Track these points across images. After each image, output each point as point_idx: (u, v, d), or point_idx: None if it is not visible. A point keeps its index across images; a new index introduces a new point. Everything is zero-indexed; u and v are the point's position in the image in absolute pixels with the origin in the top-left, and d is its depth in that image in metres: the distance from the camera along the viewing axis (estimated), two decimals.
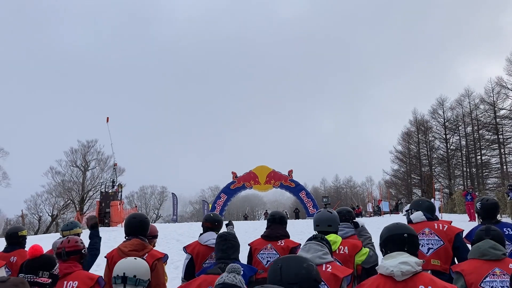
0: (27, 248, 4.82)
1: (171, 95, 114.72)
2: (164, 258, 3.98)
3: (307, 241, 3.37)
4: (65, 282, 3.35)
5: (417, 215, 4.20)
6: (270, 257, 4.49)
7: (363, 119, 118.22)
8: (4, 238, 5.26)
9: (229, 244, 3.78)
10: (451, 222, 4.30)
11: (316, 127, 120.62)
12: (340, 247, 3.72)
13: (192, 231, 15.77)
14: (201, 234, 4.74)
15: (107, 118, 31.44)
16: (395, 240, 2.71)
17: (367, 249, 3.80)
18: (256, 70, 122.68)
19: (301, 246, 3.38)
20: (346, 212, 4.55)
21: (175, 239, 15.70)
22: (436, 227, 4.08)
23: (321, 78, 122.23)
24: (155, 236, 5.07)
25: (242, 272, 2.81)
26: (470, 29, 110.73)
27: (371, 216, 35.32)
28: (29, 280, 2.82)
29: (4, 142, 67.36)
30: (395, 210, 36.08)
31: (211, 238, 4.49)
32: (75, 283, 3.34)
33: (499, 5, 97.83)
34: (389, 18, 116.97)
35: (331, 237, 3.73)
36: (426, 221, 4.15)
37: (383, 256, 2.75)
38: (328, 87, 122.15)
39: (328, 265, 3.10)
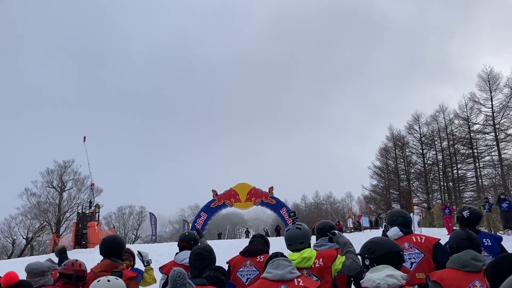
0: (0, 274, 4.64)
1: (148, 114, 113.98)
2: (137, 277, 3.91)
3: (268, 259, 3.40)
4: None
5: (394, 232, 4.21)
6: (250, 274, 4.39)
7: (341, 136, 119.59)
8: None
9: (205, 261, 3.71)
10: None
11: (296, 144, 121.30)
12: (315, 261, 3.69)
13: (172, 251, 15.46)
14: (177, 253, 4.68)
15: (84, 137, 31.00)
16: (390, 257, 2.84)
17: (343, 258, 3.70)
18: (234, 87, 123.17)
19: (268, 264, 3.36)
20: (329, 227, 4.45)
21: (154, 259, 15.37)
22: (414, 240, 4.10)
23: (300, 95, 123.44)
24: (131, 254, 4.95)
25: (184, 282, 2.73)
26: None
27: (351, 231, 35.40)
28: None
29: None
30: (375, 225, 36.27)
31: (186, 257, 4.39)
32: None
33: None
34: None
35: (305, 253, 3.71)
36: (403, 235, 4.15)
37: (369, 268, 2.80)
38: (308, 105, 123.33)
39: (299, 279, 3.15)
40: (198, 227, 31.75)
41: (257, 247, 4.59)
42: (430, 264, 3.95)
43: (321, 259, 3.68)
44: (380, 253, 2.84)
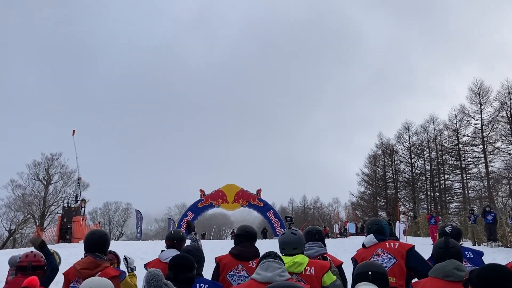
0: None
1: (138, 110, 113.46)
2: (120, 276, 3.85)
3: (261, 258, 3.35)
4: None
5: (369, 239, 4.36)
6: (241, 280, 4.26)
7: (330, 141, 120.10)
8: None
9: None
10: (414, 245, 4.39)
11: (285, 148, 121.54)
12: (306, 268, 3.65)
13: (157, 250, 15.39)
14: (162, 251, 4.63)
15: (73, 131, 30.79)
16: (361, 277, 2.98)
17: (334, 277, 3.70)
18: (226, 86, 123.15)
19: (258, 266, 3.32)
20: (316, 232, 4.50)
21: (139, 257, 15.27)
22: (387, 246, 4.21)
23: (290, 101, 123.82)
24: (116, 256, 4.90)
25: (159, 283, 2.71)
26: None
27: (337, 237, 35.53)
28: None
29: None
30: (361, 231, 36.44)
31: (171, 255, 4.31)
32: None
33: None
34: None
35: (297, 259, 3.68)
36: (377, 242, 4.27)
37: None
38: (298, 109, 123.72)
39: None
40: (184, 226, 31.64)
41: (249, 251, 4.45)
42: (402, 269, 4.04)
43: (312, 268, 3.65)
44: (354, 275, 3.07)
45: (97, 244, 4.02)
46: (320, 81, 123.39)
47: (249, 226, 4.88)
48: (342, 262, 4.33)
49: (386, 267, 4.00)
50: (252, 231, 4.74)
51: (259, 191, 34.30)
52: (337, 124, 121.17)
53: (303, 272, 3.63)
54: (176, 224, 35.36)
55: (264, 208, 34.12)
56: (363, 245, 4.41)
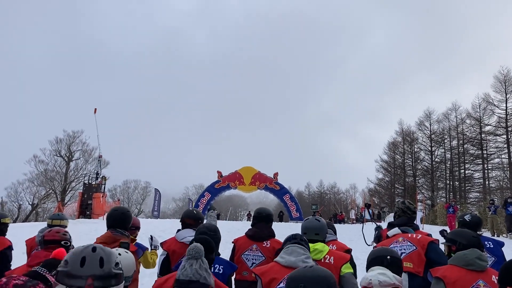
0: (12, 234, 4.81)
1: (160, 91, 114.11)
2: (137, 252, 3.94)
3: (286, 240, 3.36)
4: None
5: (393, 230, 4.40)
6: (255, 259, 4.42)
7: (349, 126, 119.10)
8: None
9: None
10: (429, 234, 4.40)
11: (303, 132, 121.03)
12: (326, 256, 3.67)
13: (175, 228, 15.64)
14: (178, 231, 4.67)
15: (95, 109, 31.20)
16: (378, 261, 2.95)
17: (351, 270, 3.70)
18: (244, 70, 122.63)
19: (282, 249, 3.34)
20: (331, 217, 4.56)
21: (156, 235, 15.56)
22: (409, 236, 4.24)
23: (308, 84, 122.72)
24: (137, 228, 5.00)
25: (199, 256, 2.73)
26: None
27: (353, 223, 35.51)
28: (40, 272, 2.75)
29: None
30: (377, 218, 36.32)
31: (187, 235, 4.39)
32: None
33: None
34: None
35: (317, 246, 3.70)
36: (400, 233, 4.31)
37: None
38: (318, 94, 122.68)
39: None
40: (201, 206, 32.02)
41: (263, 232, 4.58)
42: (421, 257, 4.04)
43: (332, 257, 3.66)
44: (369, 259, 3.04)
45: (118, 220, 4.13)
46: (329, 68, 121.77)
47: (264, 208, 5.02)
48: (351, 249, 4.38)
49: (404, 253, 4.05)
50: (265, 212, 4.86)
51: (276, 174, 34.36)
52: (356, 110, 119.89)
53: (322, 260, 3.63)
54: (194, 204, 35.79)
55: (280, 191, 34.22)
56: (386, 236, 4.44)
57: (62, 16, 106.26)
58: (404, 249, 4.10)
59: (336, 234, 4.68)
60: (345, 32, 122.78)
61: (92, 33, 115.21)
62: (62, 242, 3.65)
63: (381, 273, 2.71)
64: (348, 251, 4.30)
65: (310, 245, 3.65)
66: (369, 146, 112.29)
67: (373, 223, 5.76)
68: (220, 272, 3.60)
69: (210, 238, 3.57)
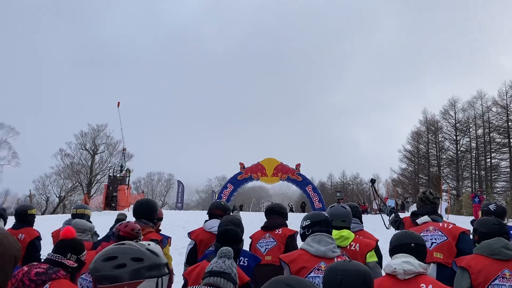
0: (41, 226, 4.99)
1: (182, 83, 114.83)
2: (162, 241, 4.05)
3: (311, 225, 3.33)
4: None
5: (424, 218, 4.37)
6: (268, 245, 4.63)
7: (372, 116, 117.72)
8: (14, 216, 5.36)
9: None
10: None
11: (325, 123, 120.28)
12: (352, 243, 3.68)
13: (198, 219, 15.88)
14: (206, 221, 4.78)
15: (118, 103, 31.69)
16: (403, 248, 2.85)
17: (376, 258, 3.73)
18: (270, 64, 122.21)
19: (309, 236, 3.34)
20: (353, 207, 4.57)
21: (180, 226, 15.84)
22: (441, 225, 4.21)
23: (327, 75, 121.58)
24: (160, 219, 5.12)
25: (231, 256, 2.79)
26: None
27: (376, 213, 35.25)
28: (55, 259, 2.84)
29: (15, 122, 67.91)
30: (401, 208, 35.95)
31: (215, 225, 4.51)
32: None
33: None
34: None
35: (344, 233, 3.71)
36: (431, 221, 4.27)
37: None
38: (338, 84, 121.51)
39: (338, 259, 3.10)
40: (224, 198, 32.27)
41: (276, 221, 4.76)
42: (451, 248, 3.98)
43: (357, 244, 3.67)
44: (393, 245, 2.96)
45: (144, 212, 4.26)
46: (346, 58, 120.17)
47: (275, 203, 5.34)
48: (378, 240, 4.37)
49: (434, 243, 4.03)
50: (276, 206, 5.12)
51: (298, 165, 34.30)
52: (377, 100, 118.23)
53: (348, 247, 3.64)
54: (217, 196, 36.09)
55: (302, 182, 34.15)
56: (416, 223, 4.44)
57: (84, 14, 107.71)
58: (435, 239, 4.05)
59: (362, 223, 4.69)
60: (361, 20, 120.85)
61: (114, 30, 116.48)
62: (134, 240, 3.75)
63: (405, 261, 2.67)
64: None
65: (336, 231, 3.67)
66: (392, 136, 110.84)
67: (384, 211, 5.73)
68: (245, 264, 3.65)
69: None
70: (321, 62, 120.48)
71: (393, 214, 5.29)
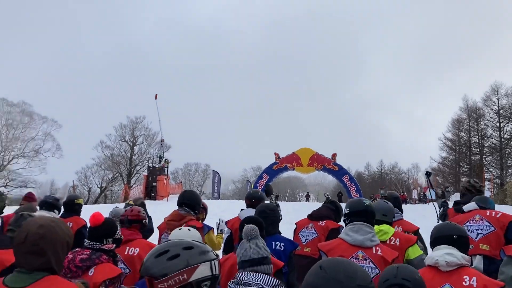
0: (85, 215, 5.20)
1: (214, 76, 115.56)
2: (203, 228, 4.15)
3: (350, 214, 3.30)
4: (127, 248, 3.57)
5: (470, 205, 4.23)
6: (309, 236, 4.63)
7: (409, 103, 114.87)
8: (62, 206, 5.62)
9: (268, 220, 3.73)
10: None
11: (360, 112, 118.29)
12: (391, 238, 3.63)
13: (234, 209, 16.03)
14: (242, 210, 4.85)
15: (156, 95, 32.31)
16: (444, 240, 2.78)
17: (420, 252, 3.63)
18: (301, 53, 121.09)
19: (347, 225, 3.32)
20: (394, 197, 4.51)
21: (218, 215, 16.03)
22: (488, 214, 4.04)
23: (364, 62, 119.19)
24: (205, 209, 5.20)
25: (258, 233, 2.71)
26: None
27: (416, 203, 34.56)
28: (95, 247, 2.97)
29: (58, 115, 70.31)
30: (442, 198, 35.10)
31: (250, 214, 4.57)
32: (136, 250, 3.55)
33: None
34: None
35: (383, 227, 3.67)
36: (478, 209, 4.11)
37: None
38: (374, 72, 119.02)
39: (377, 248, 3.10)
40: (260, 188, 32.44)
41: (322, 212, 4.76)
42: (499, 239, 3.83)
43: (397, 239, 3.61)
44: (434, 237, 2.90)
45: (185, 201, 4.40)
46: (379, 45, 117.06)
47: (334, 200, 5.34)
48: (418, 228, 4.28)
49: (480, 234, 3.92)
50: (333, 202, 5.11)
51: (334, 155, 33.97)
52: (415, 88, 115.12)
53: (388, 242, 3.60)
54: (253, 185, 36.33)
55: (339, 172, 33.84)
56: (460, 211, 4.33)
57: (117, 12, 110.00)
58: (481, 230, 3.92)
59: (402, 213, 4.61)
60: (394, 3, 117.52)
61: (148, 25, 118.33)
62: (143, 221, 3.94)
63: (448, 253, 2.63)
64: (416, 232, 4.20)
65: (376, 226, 3.62)
66: (431, 124, 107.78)
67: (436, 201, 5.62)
68: (282, 249, 3.66)
69: (267, 217, 3.69)
70: (353, 50, 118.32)
71: (441, 208, 5.19)
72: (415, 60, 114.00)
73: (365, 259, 3.04)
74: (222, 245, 4.69)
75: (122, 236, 3.24)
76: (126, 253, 3.53)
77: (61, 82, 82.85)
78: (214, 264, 1.75)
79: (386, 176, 77.69)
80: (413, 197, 40.24)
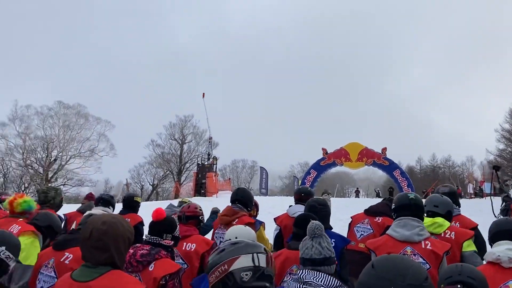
0: (140, 212, 5.45)
1: (262, 70, 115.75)
2: (255, 224, 4.21)
3: (398, 208, 3.26)
4: (185, 243, 3.64)
5: None
6: (364, 231, 4.57)
7: (463, 93, 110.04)
8: (122, 203, 5.90)
9: (319, 215, 3.69)
10: None
11: (408, 104, 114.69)
12: (446, 231, 3.52)
13: (283, 205, 16.08)
14: (290, 206, 4.87)
15: (203, 93, 32.80)
16: (504, 235, 2.71)
17: (474, 247, 3.52)
18: (344, 46, 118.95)
19: (394, 220, 3.28)
20: (451, 193, 4.29)
21: (266, 211, 16.14)
22: None
23: (413, 53, 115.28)
24: (256, 206, 5.28)
25: (323, 232, 2.71)
26: None
27: (471, 197, 33.20)
28: (154, 241, 3.10)
29: (111, 116, 73.02)
30: (499, 192, 33.49)
31: (298, 210, 4.60)
32: (193, 245, 3.61)
33: None
34: None
35: (438, 220, 3.58)
36: None
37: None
38: (422, 63, 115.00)
39: (427, 242, 3.02)
40: (308, 184, 32.29)
41: (379, 208, 4.70)
42: None
43: (453, 233, 3.51)
44: (493, 232, 2.84)
45: (238, 198, 4.55)
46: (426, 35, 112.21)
47: (391, 198, 5.12)
48: (477, 225, 4.13)
49: None
50: (392, 202, 4.92)
51: (384, 149, 33.20)
52: (466, 79, 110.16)
53: (442, 235, 3.50)
54: (300, 182, 36.20)
55: (390, 167, 33.04)
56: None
57: (161, 21, 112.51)
58: None
59: (459, 207, 4.43)
60: None
61: (193, 28, 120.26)
62: (200, 217, 4.08)
63: (510, 249, 2.57)
64: (475, 228, 4.05)
65: (429, 219, 3.54)
66: (487, 115, 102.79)
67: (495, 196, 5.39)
68: (332, 245, 3.64)
69: (318, 211, 3.69)
70: (399, 41, 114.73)
71: (504, 203, 4.99)
72: (465, 48, 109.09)
73: (414, 255, 2.98)
74: (272, 240, 4.74)
75: (180, 236, 3.36)
76: (183, 248, 3.61)
77: (113, 84, 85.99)
78: (258, 257, 1.77)
79: (439, 170, 75.02)
80: (468, 191, 38.64)
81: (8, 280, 2.98)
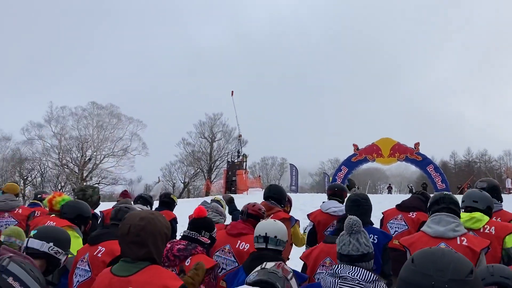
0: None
1: (290, 69, 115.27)
2: (291, 220, 4.21)
3: (433, 203, 3.20)
4: (239, 241, 3.50)
5: None
6: (398, 228, 4.46)
7: (499, 84, 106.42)
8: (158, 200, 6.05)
9: (361, 209, 3.66)
10: None
11: (439, 98, 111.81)
12: (485, 226, 3.39)
13: (314, 201, 16.01)
14: (323, 202, 4.85)
15: (232, 92, 32.96)
16: None
17: None
18: (374, 41, 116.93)
19: (429, 217, 3.22)
20: (492, 188, 4.08)
21: (298, 208, 16.11)
22: None
23: (445, 43, 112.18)
24: (290, 201, 5.26)
25: (361, 228, 2.61)
26: None
27: (510, 193, 32.14)
28: (193, 236, 3.17)
29: (142, 115, 74.39)
30: None
31: (332, 206, 4.58)
32: (247, 245, 3.47)
33: None
34: None
35: (476, 214, 3.45)
36: None
37: None
38: (453, 55, 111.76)
39: (462, 238, 2.95)
40: (339, 180, 31.99)
41: (412, 203, 4.59)
42: None
43: (493, 227, 3.37)
44: None
45: (271, 194, 4.56)
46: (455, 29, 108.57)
47: (423, 192, 5.09)
48: None
49: None
50: (424, 196, 4.84)
51: (417, 144, 32.49)
52: (496, 71, 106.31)
53: (481, 230, 3.38)
54: (331, 179, 35.90)
55: (423, 162, 32.30)
56: None
57: (186, 24, 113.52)
58: None
59: (501, 202, 4.23)
60: None
61: (220, 29, 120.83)
62: (261, 220, 4.06)
63: None
64: None
65: (467, 214, 3.44)
66: None
67: None
68: (375, 241, 3.57)
69: (360, 205, 3.64)
70: (428, 36, 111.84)
71: None
72: (491, 41, 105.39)
73: None
74: (306, 237, 4.73)
75: (235, 232, 3.41)
76: (236, 246, 3.49)
77: (143, 84, 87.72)
78: None
79: (475, 164, 72.95)
80: (506, 186, 37.41)
81: (61, 272, 3.10)
